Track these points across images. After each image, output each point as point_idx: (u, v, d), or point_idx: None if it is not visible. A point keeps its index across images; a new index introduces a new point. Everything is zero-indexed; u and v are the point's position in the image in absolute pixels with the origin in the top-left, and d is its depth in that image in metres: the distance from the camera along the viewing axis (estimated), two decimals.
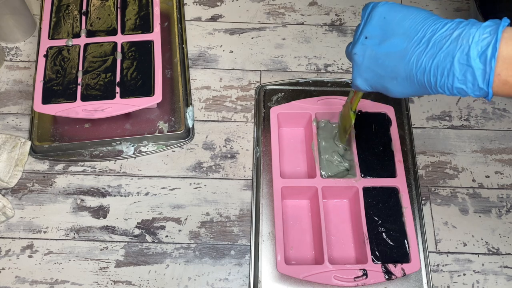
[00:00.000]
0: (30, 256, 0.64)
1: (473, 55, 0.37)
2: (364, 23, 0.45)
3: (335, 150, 0.68)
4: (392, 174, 0.66)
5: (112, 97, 0.68)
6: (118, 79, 0.70)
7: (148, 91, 0.69)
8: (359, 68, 0.46)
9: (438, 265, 0.65)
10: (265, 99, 0.75)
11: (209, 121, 0.74)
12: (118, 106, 0.68)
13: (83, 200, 0.68)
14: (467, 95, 0.39)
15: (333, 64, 0.80)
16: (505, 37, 0.36)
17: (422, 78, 0.40)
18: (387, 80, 0.44)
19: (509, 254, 0.66)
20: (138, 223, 0.67)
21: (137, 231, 0.66)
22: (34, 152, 0.71)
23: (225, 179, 0.70)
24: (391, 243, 0.62)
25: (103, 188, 0.69)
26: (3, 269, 0.63)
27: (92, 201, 0.68)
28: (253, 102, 0.76)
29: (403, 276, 0.59)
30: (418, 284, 0.63)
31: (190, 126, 0.73)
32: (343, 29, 0.83)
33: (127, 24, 0.75)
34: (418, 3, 0.86)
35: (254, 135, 0.73)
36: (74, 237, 0.65)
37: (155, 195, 0.69)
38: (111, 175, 0.70)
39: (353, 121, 0.60)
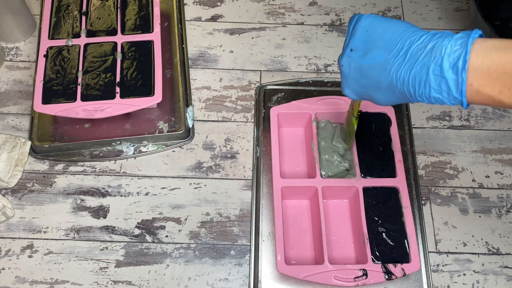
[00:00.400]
0: (30, 256, 0.64)
1: (445, 67, 0.38)
2: (349, 36, 0.47)
3: (335, 150, 0.68)
4: (392, 174, 0.66)
5: (112, 97, 0.68)
6: (118, 79, 0.70)
7: (148, 91, 0.69)
8: (346, 79, 0.48)
9: (438, 265, 0.65)
10: (265, 99, 0.75)
11: (209, 121, 0.74)
12: (118, 106, 0.68)
13: (83, 200, 0.68)
14: (444, 104, 0.40)
15: (333, 64, 0.80)
16: (475, 48, 0.37)
17: (402, 88, 0.42)
18: (372, 90, 0.46)
19: (509, 254, 0.66)
20: (138, 223, 0.67)
21: (137, 231, 0.66)
22: (34, 152, 0.71)
23: (225, 179, 0.70)
24: (391, 243, 0.62)
25: (103, 188, 0.69)
26: (3, 269, 0.63)
27: (92, 201, 0.68)
28: (253, 102, 0.76)
29: (403, 276, 0.59)
30: (418, 284, 0.63)
31: (190, 126, 0.73)
32: (343, 29, 0.83)
33: (127, 24, 0.75)
34: (418, 3, 0.86)
35: (254, 135, 0.73)
36: (74, 237, 0.65)
37: (155, 195, 0.69)
38: (111, 175, 0.70)
39: (355, 126, 0.62)
